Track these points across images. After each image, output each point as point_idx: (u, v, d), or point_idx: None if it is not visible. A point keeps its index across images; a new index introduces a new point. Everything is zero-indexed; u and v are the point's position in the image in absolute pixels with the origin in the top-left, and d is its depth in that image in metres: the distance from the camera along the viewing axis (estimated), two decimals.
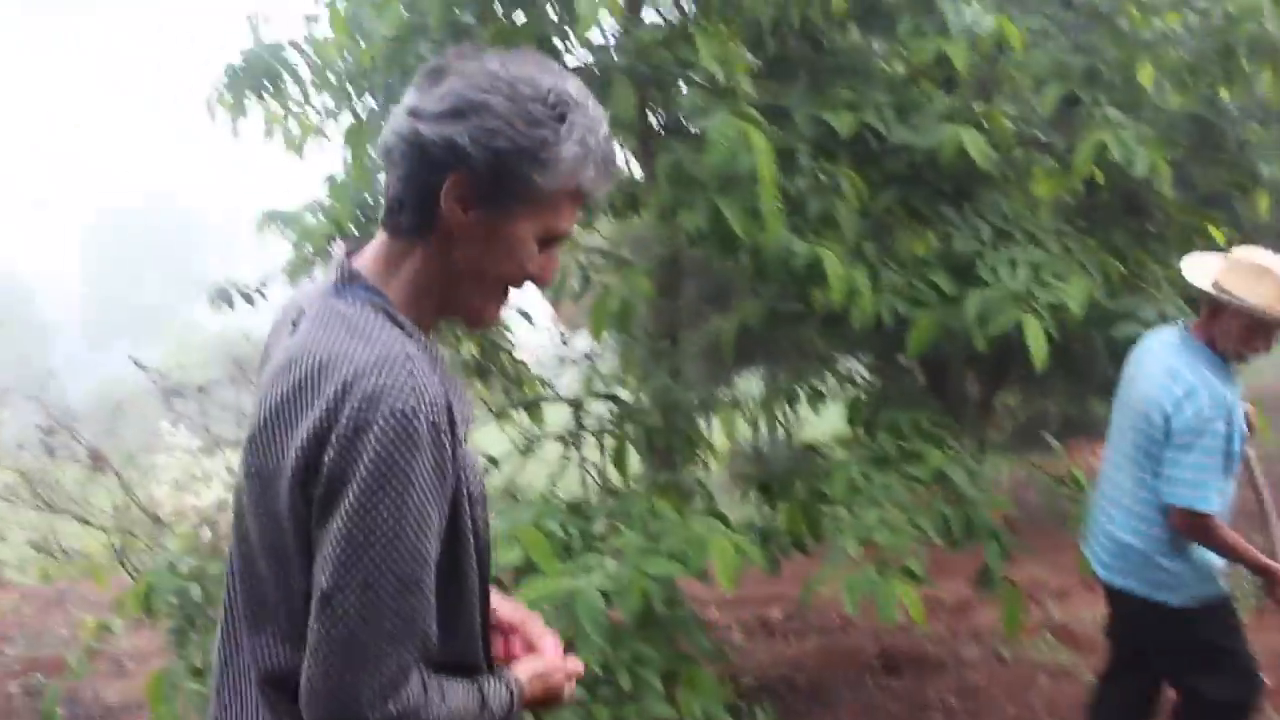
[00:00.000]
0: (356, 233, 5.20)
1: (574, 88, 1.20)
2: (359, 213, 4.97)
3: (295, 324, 1.25)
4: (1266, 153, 4.36)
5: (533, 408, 4.79)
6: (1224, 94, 4.14)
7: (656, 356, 4.58)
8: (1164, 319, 3.87)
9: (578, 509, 3.77)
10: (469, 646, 1.27)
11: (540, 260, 1.24)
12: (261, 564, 1.23)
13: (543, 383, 5.47)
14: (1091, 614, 4.98)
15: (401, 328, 1.19)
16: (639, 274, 3.79)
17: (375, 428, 1.10)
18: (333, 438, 1.11)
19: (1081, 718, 3.73)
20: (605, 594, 3.02)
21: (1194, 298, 4.76)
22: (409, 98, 1.20)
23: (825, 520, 3.86)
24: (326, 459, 1.12)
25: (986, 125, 3.96)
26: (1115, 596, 3.03)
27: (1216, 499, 2.73)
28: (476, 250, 1.21)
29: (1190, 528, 2.76)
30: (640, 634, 3.22)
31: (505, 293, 1.27)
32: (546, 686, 1.37)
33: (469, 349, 5.74)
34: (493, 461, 5.15)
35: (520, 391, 5.58)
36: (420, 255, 1.22)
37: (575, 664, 1.43)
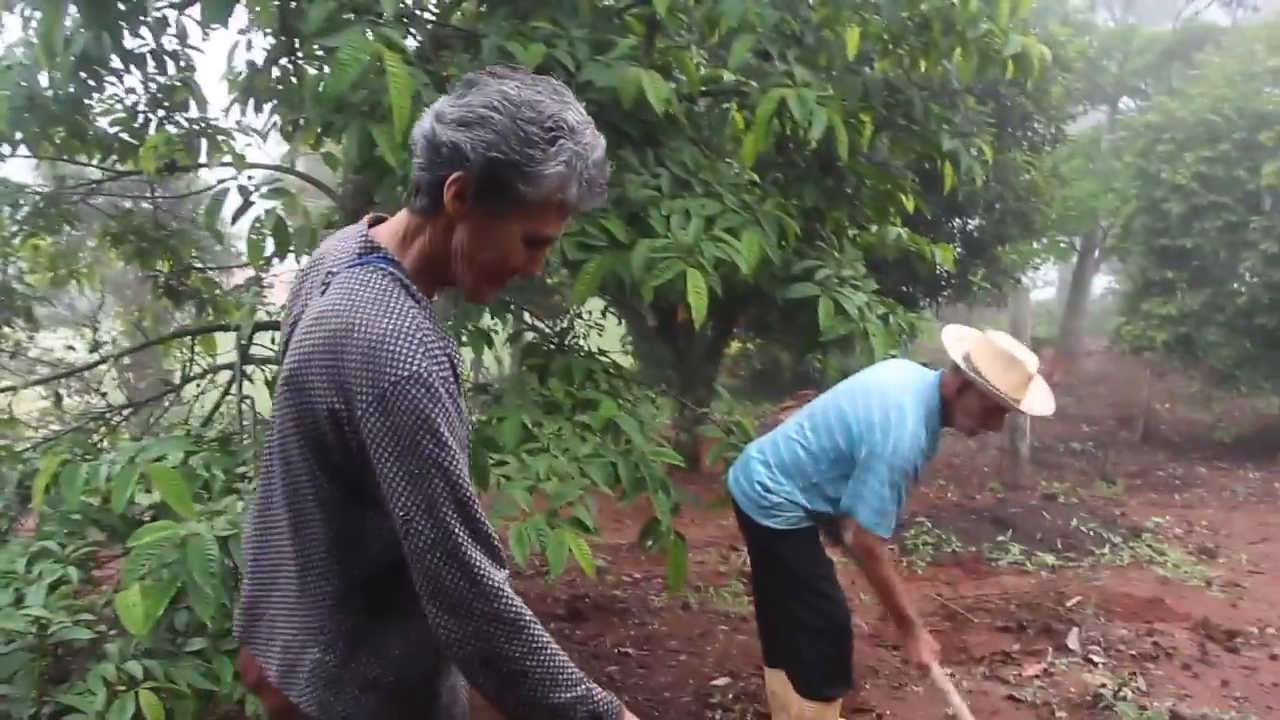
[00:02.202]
0: (19, 132, 4.64)
1: (573, 117, 1.41)
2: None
3: (326, 285, 1.49)
4: (964, 125, 4.47)
5: (205, 336, 4.43)
6: (921, 65, 4.19)
7: None
8: (842, 281, 3.92)
9: (228, 444, 3.52)
10: None
11: (525, 256, 1.48)
12: (285, 464, 1.52)
13: (237, 307, 5.11)
14: None
15: (413, 297, 1.45)
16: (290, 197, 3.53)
17: (402, 388, 1.33)
18: (362, 399, 1.35)
19: (747, 663, 3.86)
20: (225, 540, 2.79)
21: (876, 261, 4.93)
22: (439, 102, 1.43)
23: (492, 468, 3.76)
24: (361, 416, 1.36)
25: (678, 70, 3.87)
26: (739, 516, 3.38)
27: (890, 527, 3.02)
28: (470, 238, 1.45)
29: (861, 543, 3.06)
30: None
31: (496, 277, 1.51)
32: None
33: (162, 266, 5.31)
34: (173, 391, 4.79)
35: (215, 316, 5.21)
36: (429, 234, 1.48)
37: None
